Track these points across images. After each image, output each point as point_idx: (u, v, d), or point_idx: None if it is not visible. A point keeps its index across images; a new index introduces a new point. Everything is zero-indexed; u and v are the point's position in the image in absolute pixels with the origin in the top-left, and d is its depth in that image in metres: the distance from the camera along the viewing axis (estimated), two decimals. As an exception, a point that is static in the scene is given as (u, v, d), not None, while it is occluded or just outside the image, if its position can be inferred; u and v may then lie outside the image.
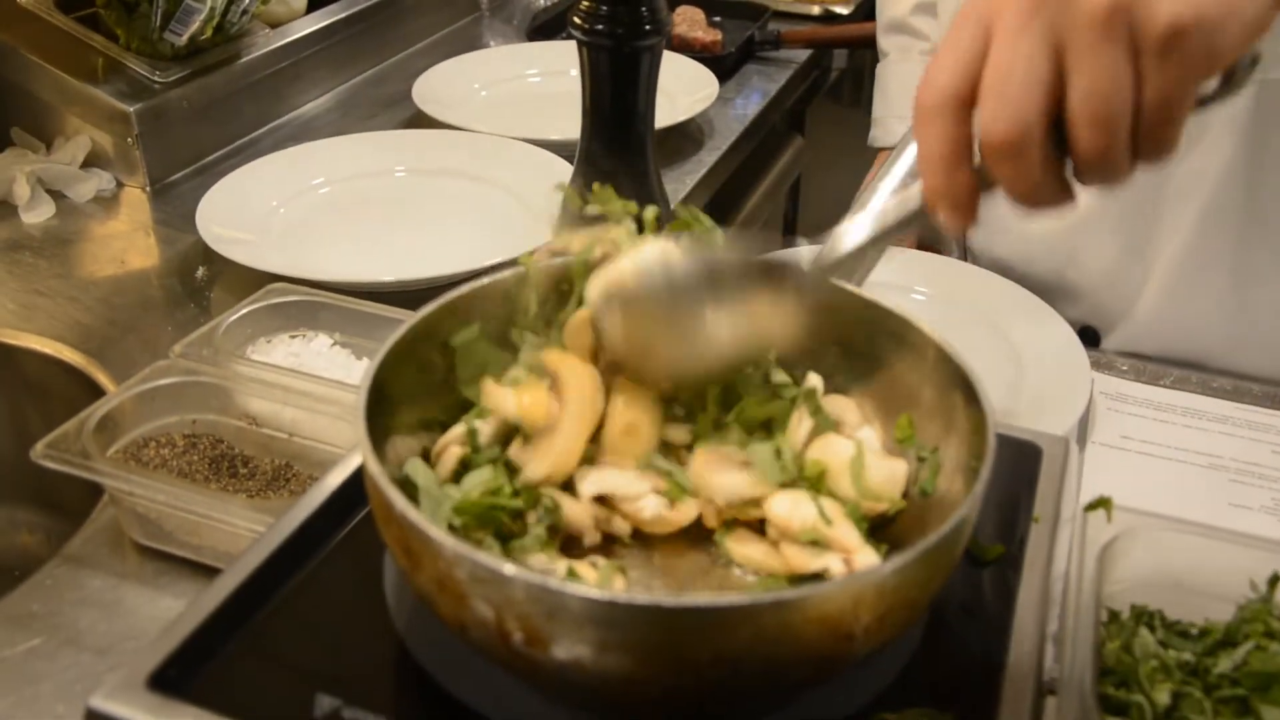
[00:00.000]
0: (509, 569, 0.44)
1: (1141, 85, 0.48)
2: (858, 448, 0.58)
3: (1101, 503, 0.66)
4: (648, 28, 0.79)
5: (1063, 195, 0.52)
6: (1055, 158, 0.50)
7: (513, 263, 1.02)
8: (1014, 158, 0.50)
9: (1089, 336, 1.08)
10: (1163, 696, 0.58)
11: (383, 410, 0.56)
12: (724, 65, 1.59)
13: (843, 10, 1.86)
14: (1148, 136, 0.49)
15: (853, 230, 0.58)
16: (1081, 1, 0.48)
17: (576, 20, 0.79)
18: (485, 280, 0.63)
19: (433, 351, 0.62)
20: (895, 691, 0.54)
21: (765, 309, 0.59)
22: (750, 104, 1.55)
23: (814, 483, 0.57)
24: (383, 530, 0.52)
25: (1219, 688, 0.59)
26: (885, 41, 1.44)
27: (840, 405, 0.63)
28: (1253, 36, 0.49)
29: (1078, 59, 0.48)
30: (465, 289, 0.63)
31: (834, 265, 0.59)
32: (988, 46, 0.50)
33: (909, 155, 0.57)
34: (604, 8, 0.78)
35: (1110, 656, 0.61)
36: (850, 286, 0.64)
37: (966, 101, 0.51)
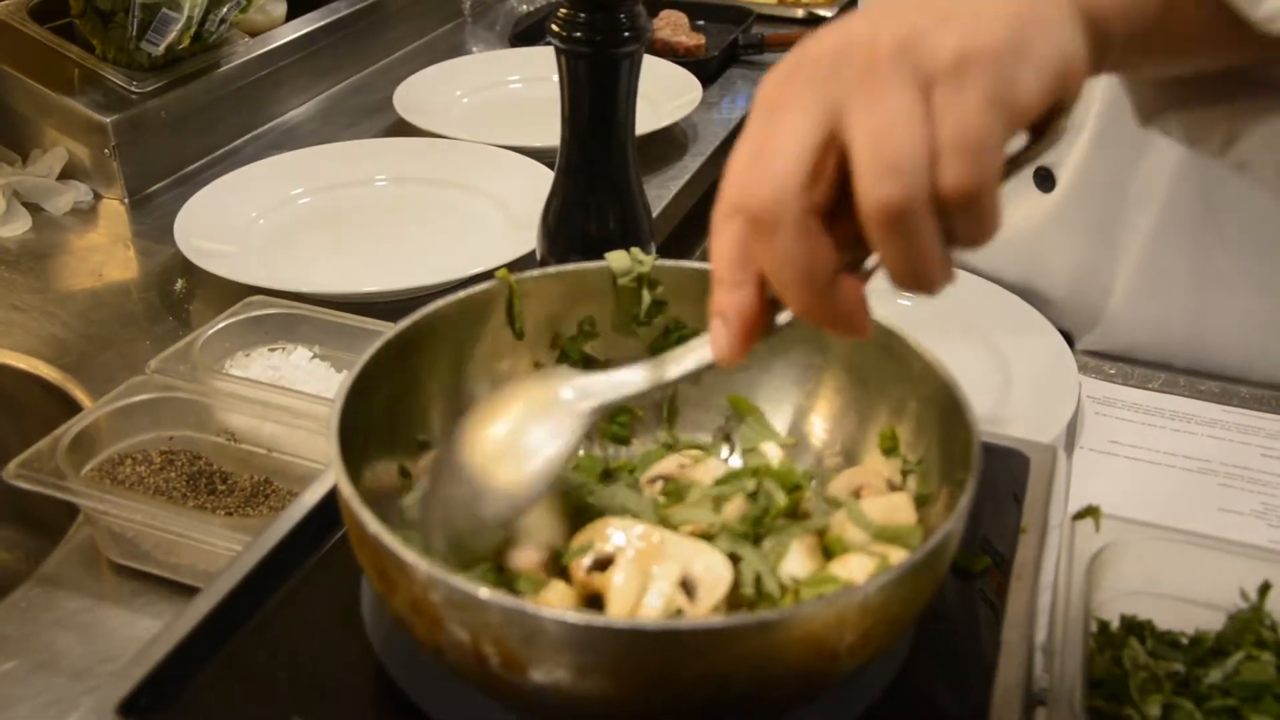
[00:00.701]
0: (484, 593, 0.43)
1: (936, 121, 0.43)
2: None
3: (1090, 512, 0.65)
4: (627, 34, 0.78)
5: (847, 306, 0.46)
6: (833, 251, 0.45)
7: (494, 272, 1.02)
8: (773, 229, 0.44)
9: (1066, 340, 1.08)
10: (1154, 709, 0.57)
11: (358, 428, 0.55)
12: (708, 69, 1.58)
13: (826, 13, 1.85)
14: (952, 188, 0.43)
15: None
16: (858, 55, 0.44)
17: (554, 28, 0.79)
18: (461, 294, 0.62)
19: (408, 368, 0.61)
20: (884, 705, 0.54)
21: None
22: (734, 108, 1.54)
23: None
24: (358, 553, 0.51)
25: (1210, 698, 0.58)
26: None
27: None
28: (1053, 83, 0.45)
29: (857, 111, 0.43)
30: (440, 304, 0.62)
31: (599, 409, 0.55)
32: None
33: None
34: (581, 15, 0.77)
35: (1100, 668, 0.60)
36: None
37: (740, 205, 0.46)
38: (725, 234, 0.47)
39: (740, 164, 0.47)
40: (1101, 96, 0.95)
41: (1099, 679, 0.60)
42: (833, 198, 0.45)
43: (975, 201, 0.43)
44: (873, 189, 0.43)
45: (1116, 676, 0.60)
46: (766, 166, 0.44)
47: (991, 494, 0.65)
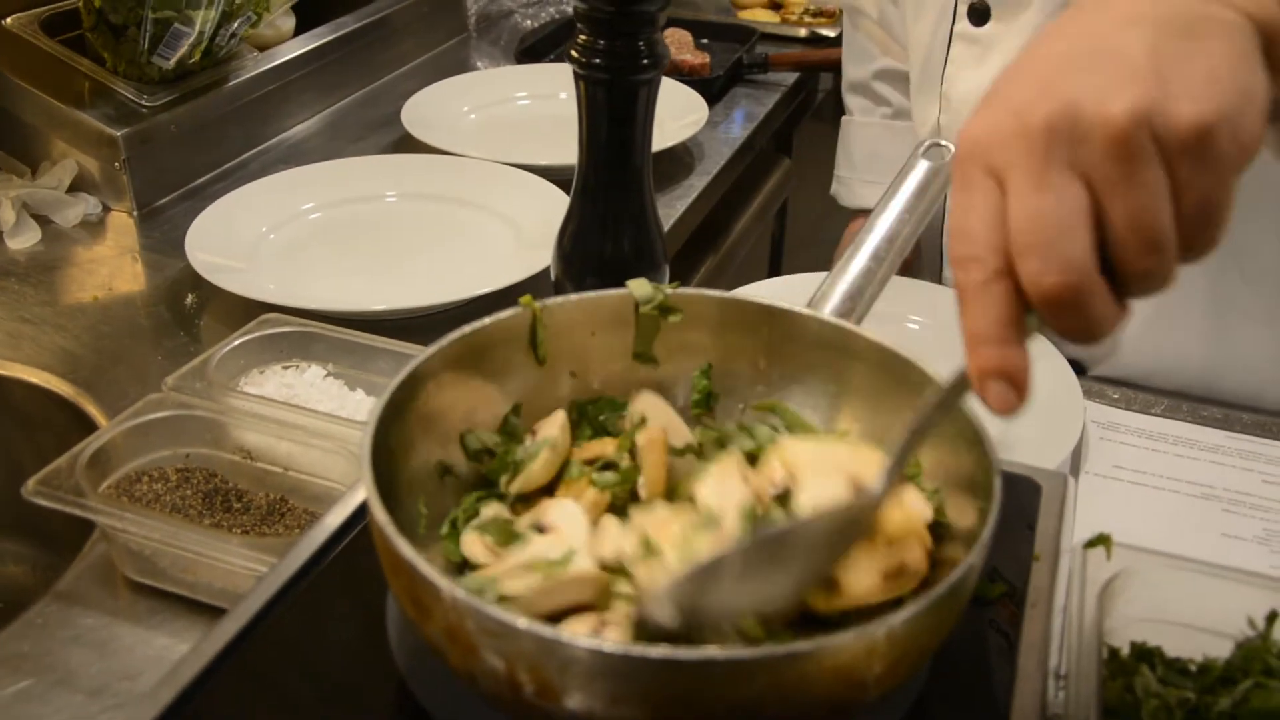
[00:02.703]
0: (521, 622, 0.44)
1: (1180, 193, 0.45)
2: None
3: (1101, 540, 0.66)
4: (645, 62, 0.79)
5: (1120, 319, 0.48)
6: (1109, 289, 0.47)
7: (505, 292, 1.03)
8: (1075, 307, 0.46)
9: (1075, 368, 1.09)
10: (1166, 737, 0.58)
11: (386, 455, 0.55)
12: (712, 88, 1.60)
13: (829, 33, 1.87)
14: (1193, 239, 0.46)
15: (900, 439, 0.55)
16: (1095, 127, 0.45)
17: (574, 54, 0.79)
18: (487, 321, 0.63)
19: (434, 394, 0.61)
20: (903, 732, 0.55)
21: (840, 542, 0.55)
22: (739, 127, 1.56)
23: None
24: (391, 581, 0.52)
25: (1221, 727, 0.59)
26: (849, 100, 1.45)
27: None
28: (1266, 117, 0.47)
29: (1111, 187, 0.45)
30: (466, 330, 0.63)
31: (891, 478, 0.55)
32: (1004, 199, 0.47)
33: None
34: (601, 42, 0.78)
35: (1113, 695, 0.61)
36: (858, 329, 0.64)
37: (1006, 268, 0.47)
38: (988, 299, 0.48)
39: (977, 230, 0.47)
40: None
41: (1112, 707, 0.61)
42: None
43: (1214, 241, 0.47)
44: (1136, 262, 0.46)
45: (1129, 704, 0.60)
46: (1055, 252, 0.45)
47: (1004, 522, 0.65)
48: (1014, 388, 0.48)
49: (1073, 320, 0.47)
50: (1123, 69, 0.46)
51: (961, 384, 0.52)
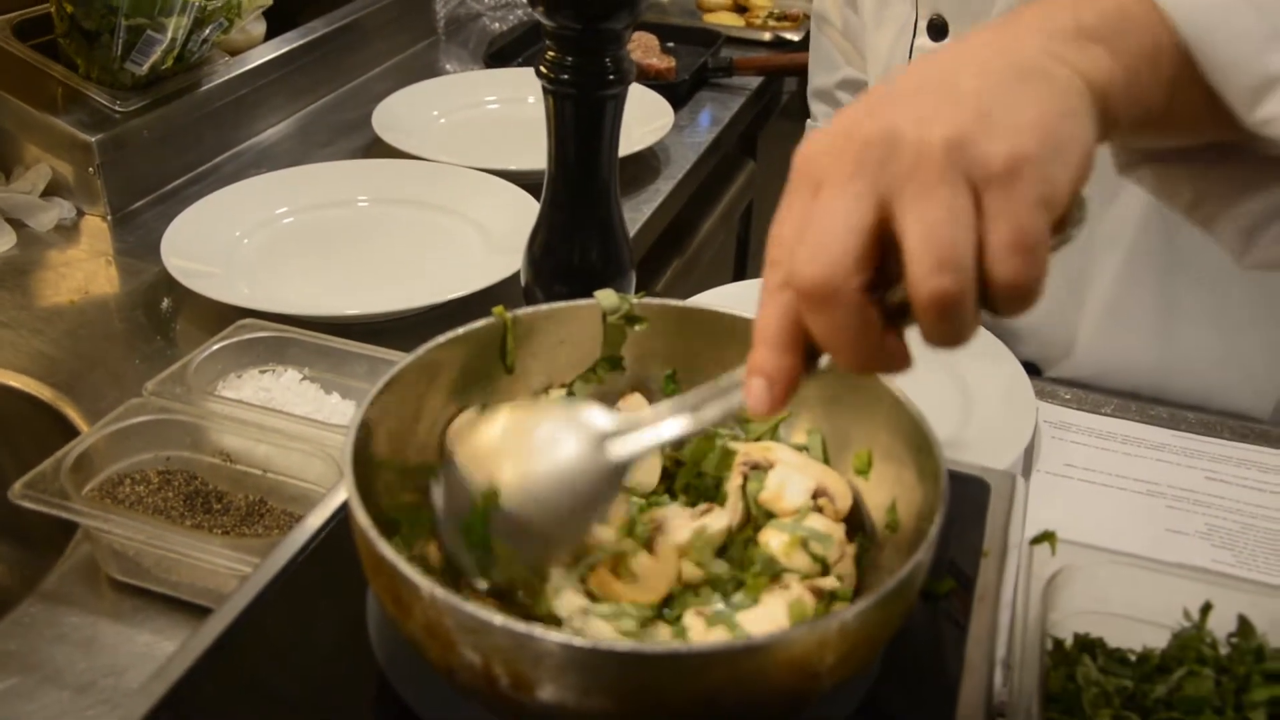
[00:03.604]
0: (497, 619, 0.47)
1: (987, 224, 0.46)
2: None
3: (1046, 537, 0.69)
4: (611, 77, 0.82)
5: (894, 358, 0.50)
6: (878, 315, 0.48)
7: (475, 297, 1.06)
8: (825, 304, 0.47)
9: (1030, 370, 1.13)
10: (1104, 722, 0.61)
11: (365, 459, 0.58)
12: (678, 92, 1.62)
13: (793, 37, 1.90)
14: (1003, 279, 0.46)
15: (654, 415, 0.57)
16: (909, 148, 0.47)
17: (542, 70, 0.82)
18: (461, 331, 0.66)
19: (411, 400, 0.64)
20: (857, 718, 0.58)
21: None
22: (704, 131, 1.59)
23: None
24: (372, 580, 0.54)
25: (1155, 712, 0.63)
26: (814, 106, 1.48)
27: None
28: (1083, 172, 0.49)
29: (910, 203, 0.47)
30: (441, 340, 0.65)
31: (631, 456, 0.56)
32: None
33: None
34: (569, 58, 0.81)
35: (1055, 684, 0.65)
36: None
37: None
38: (775, 302, 0.50)
39: (787, 236, 0.50)
40: None
41: (1054, 694, 0.64)
42: (874, 275, 0.48)
43: (1025, 291, 0.47)
44: (926, 280, 0.46)
45: (1070, 691, 0.64)
46: (821, 247, 0.47)
47: (955, 519, 0.69)
48: (771, 390, 0.51)
49: (824, 322, 0.48)
50: (950, 102, 0.48)
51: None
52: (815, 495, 0.62)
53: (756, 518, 0.63)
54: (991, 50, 0.51)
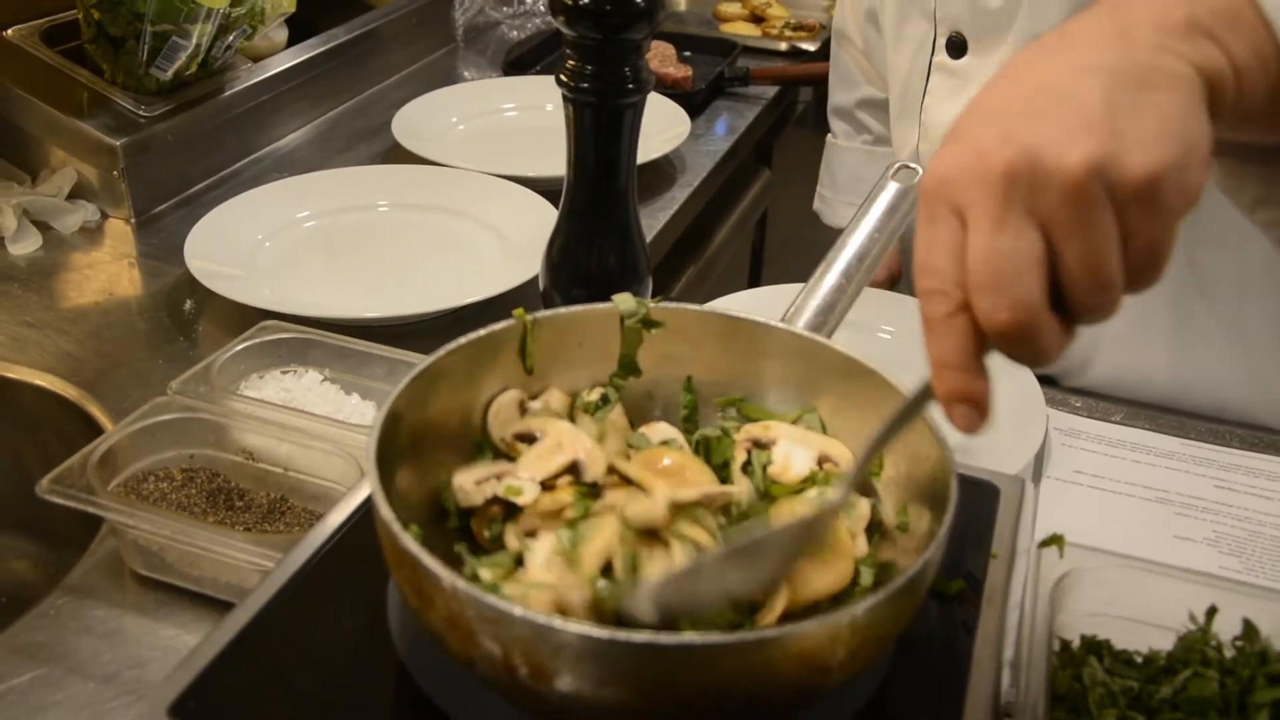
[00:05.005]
0: (517, 610, 0.48)
1: (1129, 237, 0.49)
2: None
3: (1054, 540, 0.70)
4: (630, 86, 0.83)
5: (1066, 344, 0.52)
6: (1059, 321, 0.51)
7: (493, 301, 1.07)
8: (1024, 340, 0.50)
9: (1046, 382, 1.14)
10: (1109, 722, 0.62)
11: (388, 455, 0.60)
12: (694, 101, 1.64)
13: (809, 47, 1.91)
14: (1138, 276, 0.50)
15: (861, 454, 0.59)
16: (1053, 175, 0.48)
17: (563, 78, 0.84)
18: (481, 332, 0.67)
19: (431, 399, 0.66)
20: (867, 714, 0.59)
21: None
22: (720, 139, 1.60)
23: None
24: (394, 572, 0.56)
25: (1160, 713, 0.64)
26: (833, 123, 1.50)
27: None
28: (1208, 167, 0.51)
29: (1066, 231, 0.49)
30: (462, 341, 0.67)
31: (848, 487, 0.59)
32: (965, 235, 0.51)
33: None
34: (589, 67, 0.83)
35: (1062, 684, 0.66)
36: (829, 342, 0.69)
37: (967, 302, 0.51)
38: (953, 330, 0.51)
39: (943, 266, 0.51)
40: None
41: (1061, 694, 0.65)
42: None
43: (1156, 277, 0.51)
44: (1087, 299, 0.50)
45: (1076, 692, 0.65)
46: (1009, 291, 0.49)
47: (965, 522, 0.70)
48: (976, 409, 0.52)
49: (1022, 350, 0.51)
50: (1079, 118, 0.49)
51: (921, 399, 0.56)
52: (820, 463, 0.64)
53: (767, 492, 0.65)
54: (1106, 48, 0.52)
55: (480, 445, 0.68)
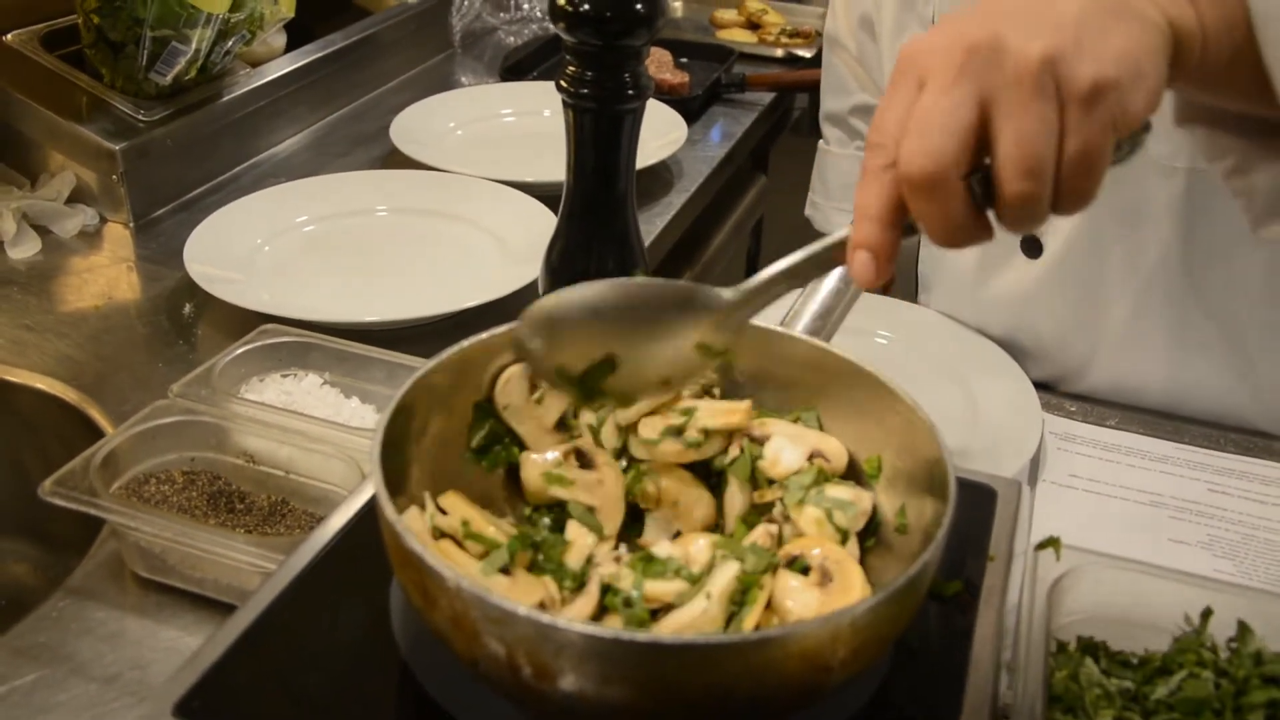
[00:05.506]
0: (521, 609, 0.48)
1: (1065, 136, 0.53)
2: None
3: (1051, 542, 0.71)
4: (630, 92, 0.84)
5: (981, 233, 0.55)
6: (975, 203, 0.54)
7: (491, 306, 1.08)
8: (930, 193, 0.53)
9: (1043, 387, 1.14)
10: (1106, 722, 0.63)
11: (391, 458, 0.60)
12: (691, 107, 1.65)
13: (805, 53, 1.92)
14: (1068, 186, 0.53)
15: (767, 270, 0.62)
16: (1010, 58, 0.52)
17: (562, 84, 0.84)
18: (484, 335, 0.68)
19: (433, 402, 0.66)
20: (867, 714, 0.60)
21: (683, 331, 0.64)
22: (717, 145, 1.61)
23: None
24: (398, 572, 0.56)
25: (1156, 713, 0.65)
26: (826, 129, 1.51)
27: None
28: (1154, 102, 0.55)
29: (1007, 110, 0.52)
30: (464, 345, 0.67)
31: (747, 293, 0.63)
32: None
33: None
34: (589, 73, 0.83)
35: (1059, 685, 0.66)
36: (827, 345, 0.70)
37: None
38: (878, 182, 0.55)
39: (890, 125, 0.55)
40: None
41: (1057, 695, 0.66)
42: (971, 166, 0.54)
43: (1087, 195, 0.54)
44: (1013, 181, 0.53)
45: (1073, 692, 0.66)
46: (928, 141, 0.53)
47: (962, 524, 0.70)
48: (874, 261, 0.56)
49: (930, 209, 0.54)
50: (1051, 23, 0.53)
51: (839, 242, 0.58)
52: (810, 457, 0.66)
53: (759, 484, 0.67)
54: None
55: (482, 408, 0.69)
